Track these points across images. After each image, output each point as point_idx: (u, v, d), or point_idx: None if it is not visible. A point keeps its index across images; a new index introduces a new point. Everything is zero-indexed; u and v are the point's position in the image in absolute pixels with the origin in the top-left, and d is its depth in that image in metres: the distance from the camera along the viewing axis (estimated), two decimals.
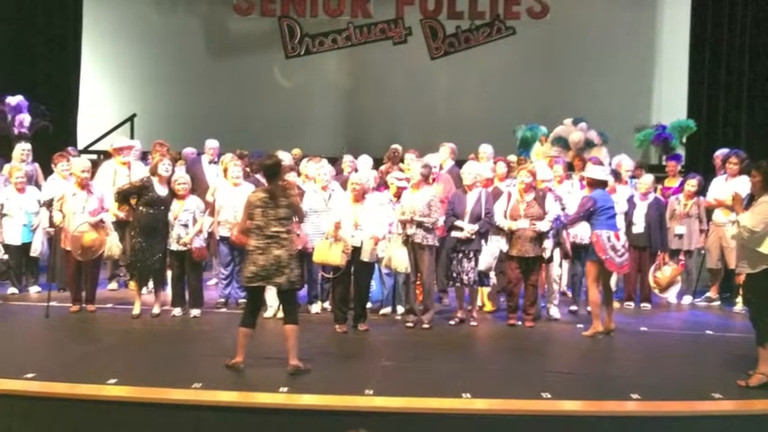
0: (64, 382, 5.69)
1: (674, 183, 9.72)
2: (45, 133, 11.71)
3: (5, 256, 8.52)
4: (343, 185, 8.16)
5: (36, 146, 10.00)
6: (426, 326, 7.62)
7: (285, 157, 8.24)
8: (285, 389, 5.64)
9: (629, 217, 8.62)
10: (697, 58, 13.61)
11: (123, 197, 7.88)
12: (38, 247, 8.96)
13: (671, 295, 8.83)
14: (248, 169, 8.96)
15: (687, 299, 9.14)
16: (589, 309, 7.75)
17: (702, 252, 9.18)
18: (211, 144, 9.86)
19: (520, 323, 7.82)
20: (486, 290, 8.31)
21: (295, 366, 6.00)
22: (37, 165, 9.67)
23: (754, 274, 5.91)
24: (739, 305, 8.39)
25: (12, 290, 8.82)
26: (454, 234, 7.73)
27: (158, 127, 13.41)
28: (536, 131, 11.49)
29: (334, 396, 5.53)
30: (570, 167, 9.50)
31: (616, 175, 8.81)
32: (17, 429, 5.43)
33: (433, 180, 8.27)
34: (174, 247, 7.81)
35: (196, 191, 8.32)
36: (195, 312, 7.91)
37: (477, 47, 14.56)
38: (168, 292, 8.10)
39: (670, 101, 13.92)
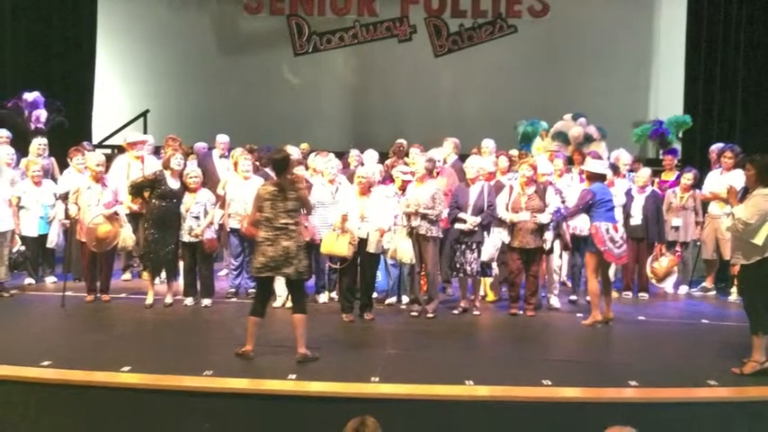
0: (79, 369, 5.75)
1: (670, 176, 9.75)
2: (61, 128, 11.80)
3: (23, 248, 8.60)
4: (350, 179, 8.22)
5: (52, 140, 10.09)
6: (430, 315, 7.69)
7: (293, 152, 8.29)
8: (294, 376, 5.73)
9: (627, 209, 8.66)
10: (693, 56, 13.64)
11: (137, 190, 7.98)
12: (54, 239, 9.00)
13: (668, 285, 8.85)
14: (258, 163, 8.95)
15: (683, 289, 9.21)
16: (588, 298, 7.84)
17: (698, 243, 9.26)
18: (222, 139, 9.93)
19: (521, 312, 7.89)
20: (488, 280, 8.40)
21: (303, 354, 6.08)
22: (53, 159, 9.73)
23: (748, 264, 5.97)
24: (734, 295, 8.43)
25: (29, 280, 8.90)
26: (457, 226, 7.81)
27: (171, 122, 13.41)
28: (537, 126, 11.52)
29: (341, 383, 5.60)
30: (570, 161, 9.51)
31: (614, 168, 8.82)
32: (33, 416, 5.51)
33: (437, 174, 8.31)
34: (185, 238, 7.89)
35: (207, 184, 8.40)
36: (206, 302, 7.99)
37: (479, 44, 14.62)
38: (180, 283, 8.17)
39: (667, 97, 13.95)
